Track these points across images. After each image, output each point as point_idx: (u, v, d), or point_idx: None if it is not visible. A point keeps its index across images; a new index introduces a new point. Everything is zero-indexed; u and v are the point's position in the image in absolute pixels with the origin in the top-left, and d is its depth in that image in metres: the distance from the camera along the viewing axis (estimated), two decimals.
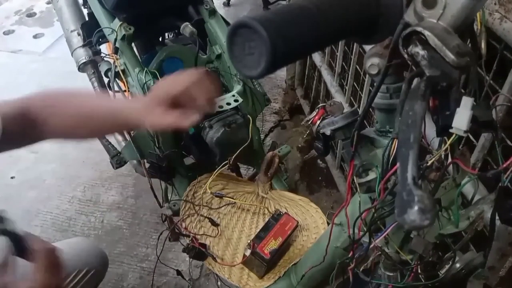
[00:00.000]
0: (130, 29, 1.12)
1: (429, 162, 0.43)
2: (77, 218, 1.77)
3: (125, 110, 0.73)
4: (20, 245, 0.54)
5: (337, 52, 1.65)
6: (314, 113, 0.61)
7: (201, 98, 0.69)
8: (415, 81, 0.38)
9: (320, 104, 0.61)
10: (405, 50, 0.38)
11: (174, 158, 1.14)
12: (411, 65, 0.39)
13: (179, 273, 1.20)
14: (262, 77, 0.33)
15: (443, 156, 0.45)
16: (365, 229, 0.53)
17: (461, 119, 0.37)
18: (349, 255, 0.59)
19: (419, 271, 0.57)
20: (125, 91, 1.15)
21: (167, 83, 0.73)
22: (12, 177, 1.95)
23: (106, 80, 1.29)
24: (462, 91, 0.42)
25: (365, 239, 0.55)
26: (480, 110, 0.38)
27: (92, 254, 1.04)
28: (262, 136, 2.01)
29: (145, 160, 1.16)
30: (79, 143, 2.07)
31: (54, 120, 0.73)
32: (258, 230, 0.96)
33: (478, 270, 0.56)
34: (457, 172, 0.51)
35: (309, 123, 0.61)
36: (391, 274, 0.62)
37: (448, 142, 0.40)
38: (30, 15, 3.18)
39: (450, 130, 0.38)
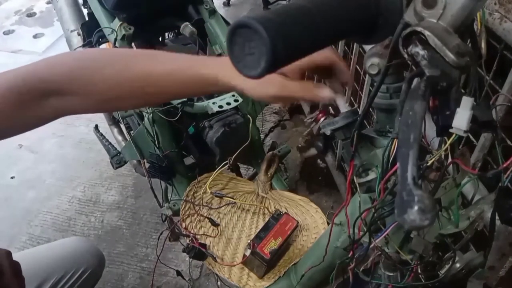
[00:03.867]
0: (130, 29, 1.12)
1: (429, 162, 0.43)
2: (77, 218, 1.77)
3: (212, 73, 0.56)
4: None
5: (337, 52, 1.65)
6: (317, 111, 0.61)
7: (344, 73, 0.55)
8: (415, 81, 0.38)
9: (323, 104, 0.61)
10: (405, 50, 0.38)
11: (174, 158, 1.15)
12: (411, 65, 0.39)
13: (179, 273, 1.20)
14: (262, 77, 0.33)
15: (443, 156, 0.45)
16: (365, 229, 0.53)
17: (461, 119, 0.37)
18: (349, 255, 0.59)
19: (419, 271, 0.57)
20: None
21: None
22: (12, 177, 1.95)
23: None
24: (462, 91, 0.42)
25: (365, 239, 0.55)
26: (480, 110, 0.38)
27: (88, 253, 1.04)
28: (262, 136, 2.01)
29: (145, 160, 1.16)
30: (79, 142, 2.07)
31: (94, 90, 0.56)
32: (258, 230, 0.96)
33: (478, 270, 0.56)
34: (457, 172, 0.51)
35: (312, 120, 0.61)
36: (391, 274, 0.62)
37: (448, 142, 0.40)
38: (30, 15, 3.18)
39: (450, 130, 0.38)
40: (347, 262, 0.60)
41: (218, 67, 0.56)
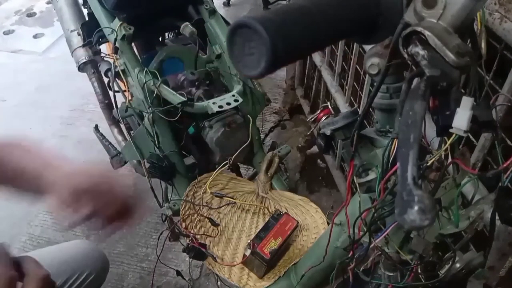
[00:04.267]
0: (130, 29, 1.12)
1: (429, 162, 0.43)
2: None
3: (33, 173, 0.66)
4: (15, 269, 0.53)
5: (337, 52, 1.65)
6: (319, 111, 0.62)
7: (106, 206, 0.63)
8: (415, 81, 0.38)
9: (325, 104, 0.61)
10: (405, 50, 0.38)
11: (174, 158, 1.15)
12: (411, 65, 0.39)
13: (179, 273, 1.20)
14: (262, 77, 0.33)
15: (443, 156, 0.45)
16: (365, 229, 0.53)
17: (461, 119, 0.37)
18: (349, 255, 0.59)
19: (419, 271, 0.57)
20: (125, 91, 1.15)
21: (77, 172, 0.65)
22: None
23: (106, 80, 1.29)
24: (462, 91, 0.42)
25: (365, 239, 0.55)
26: (480, 110, 0.38)
27: (92, 256, 1.03)
28: (262, 136, 2.01)
29: (145, 160, 1.16)
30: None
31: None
32: (258, 230, 0.96)
33: (478, 270, 0.56)
34: (457, 172, 0.51)
35: (313, 120, 0.62)
36: (391, 274, 0.62)
37: (448, 142, 0.40)
38: (30, 15, 3.18)
39: (450, 130, 0.38)
40: (347, 262, 0.60)
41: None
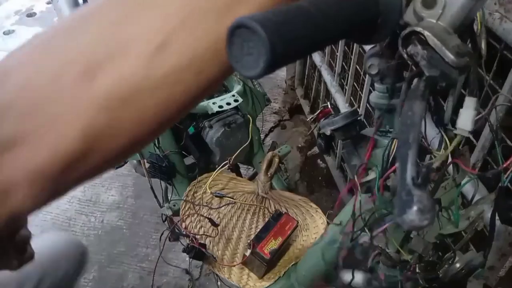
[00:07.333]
0: None
1: (434, 165, 0.43)
2: (77, 218, 1.77)
3: None
4: None
5: (337, 52, 1.65)
6: (319, 111, 0.62)
7: None
8: (415, 81, 0.38)
9: (325, 104, 0.61)
10: (404, 50, 0.38)
11: (174, 158, 1.15)
12: (411, 65, 0.39)
13: (187, 272, 1.19)
14: (261, 77, 0.33)
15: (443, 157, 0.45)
16: (365, 229, 0.53)
17: (465, 120, 0.37)
18: (348, 255, 0.59)
19: (417, 270, 0.57)
20: None
21: None
22: None
23: None
24: (463, 91, 0.42)
25: (365, 239, 0.55)
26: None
27: (70, 247, 0.97)
28: (262, 136, 2.01)
29: (145, 160, 1.16)
30: None
31: None
32: (258, 230, 0.96)
33: (478, 270, 0.56)
34: (457, 172, 0.51)
35: (313, 120, 0.62)
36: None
37: (453, 144, 0.40)
38: (30, 15, 3.18)
39: (454, 132, 0.38)
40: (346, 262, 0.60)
41: None
